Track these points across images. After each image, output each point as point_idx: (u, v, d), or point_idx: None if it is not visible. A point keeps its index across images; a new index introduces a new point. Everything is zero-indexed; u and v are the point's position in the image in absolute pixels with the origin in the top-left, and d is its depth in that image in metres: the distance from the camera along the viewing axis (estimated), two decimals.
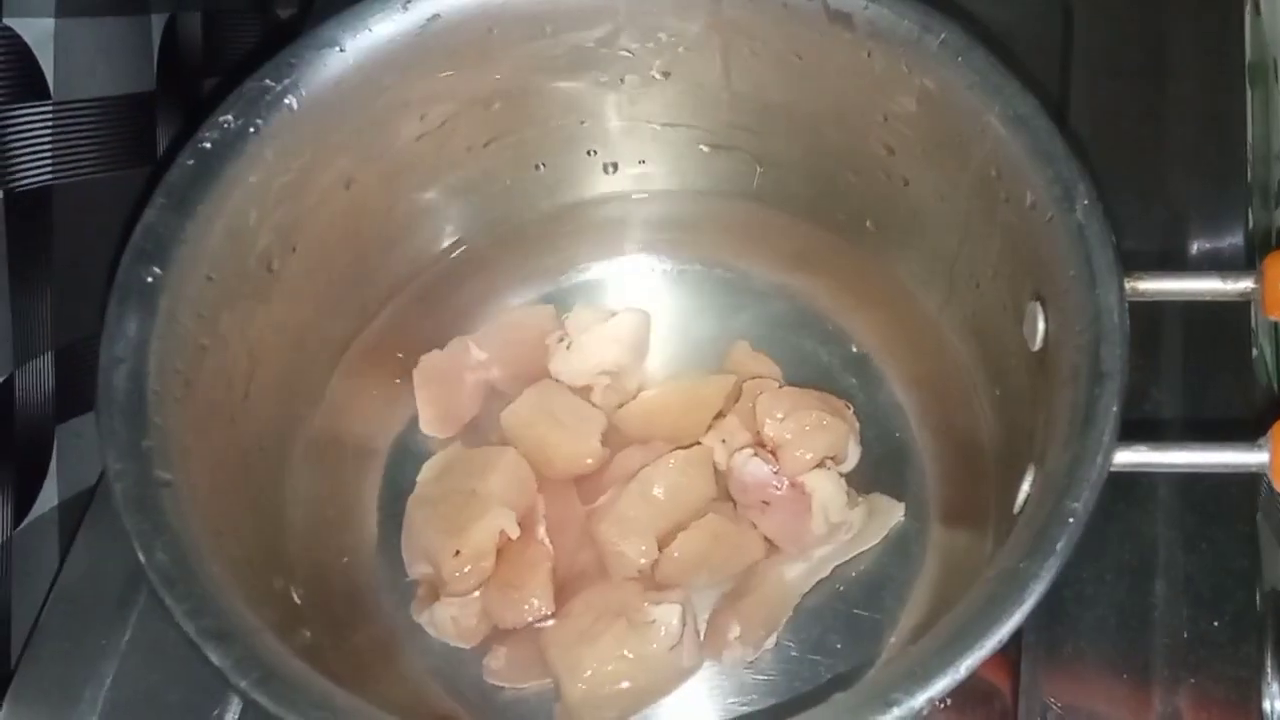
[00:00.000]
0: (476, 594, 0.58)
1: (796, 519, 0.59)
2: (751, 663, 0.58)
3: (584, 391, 0.64)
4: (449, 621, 0.58)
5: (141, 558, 0.46)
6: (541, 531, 0.60)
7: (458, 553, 0.58)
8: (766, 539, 0.60)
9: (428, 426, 0.65)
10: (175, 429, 0.50)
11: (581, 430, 0.62)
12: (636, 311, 0.66)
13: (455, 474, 0.61)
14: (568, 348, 0.64)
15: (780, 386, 0.63)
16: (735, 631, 0.58)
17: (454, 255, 0.67)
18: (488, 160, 0.64)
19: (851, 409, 0.63)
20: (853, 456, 0.62)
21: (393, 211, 0.63)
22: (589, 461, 0.62)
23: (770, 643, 0.58)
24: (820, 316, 0.67)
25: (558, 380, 0.64)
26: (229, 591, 0.47)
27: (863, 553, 0.60)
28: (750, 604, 0.58)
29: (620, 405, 0.64)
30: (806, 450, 0.59)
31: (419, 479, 0.62)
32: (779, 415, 0.60)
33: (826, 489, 0.59)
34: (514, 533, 0.59)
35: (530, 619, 0.58)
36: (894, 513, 0.61)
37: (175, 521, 0.47)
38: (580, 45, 0.60)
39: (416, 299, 0.66)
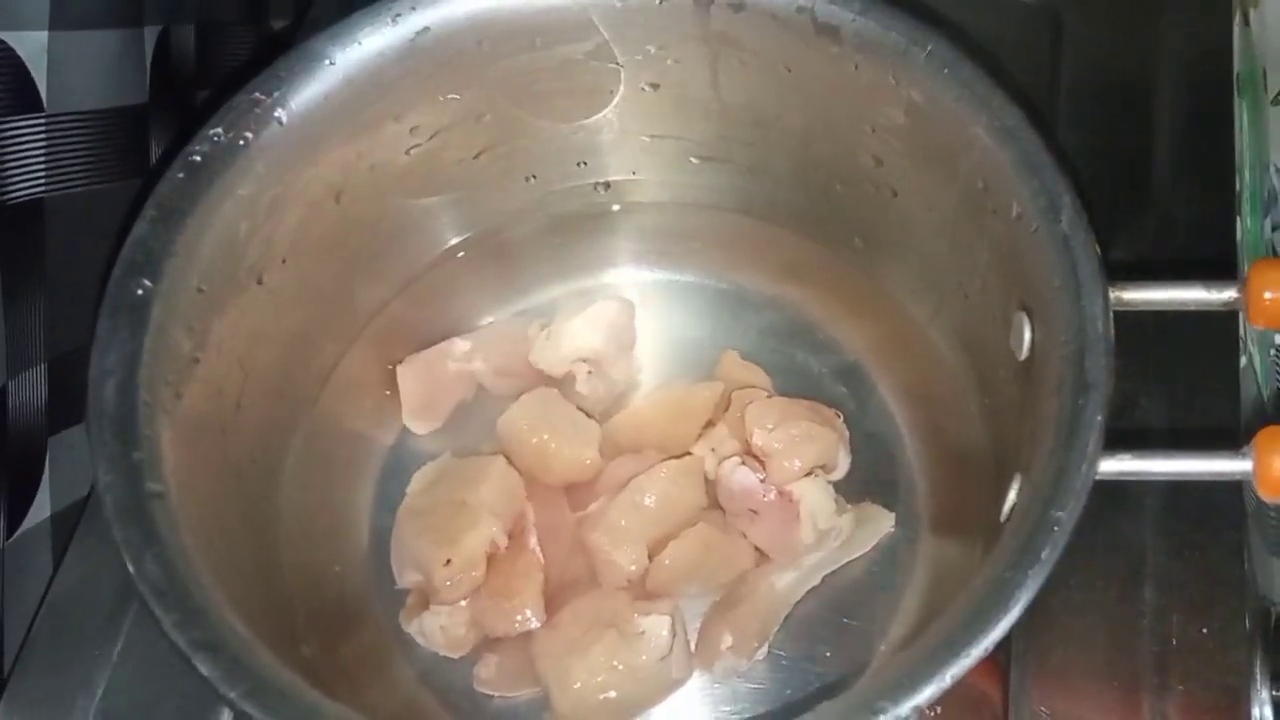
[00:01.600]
0: (465, 603, 0.59)
1: (785, 527, 0.59)
2: (742, 672, 0.58)
3: (567, 380, 0.64)
4: (438, 631, 0.58)
5: (131, 569, 0.46)
6: (533, 541, 0.60)
7: (449, 562, 0.58)
8: (757, 548, 0.60)
9: (410, 419, 0.65)
10: (166, 441, 0.50)
11: (579, 438, 0.62)
12: (617, 299, 0.66)
13: (445, 484, 0.62)
14: (547, 336, 0.65)
15: (770, 396, 0.63)
16: (727, 641, 0.58)
17: (444, 266, 0.67)
18: (478, 172, 0.64)
19: (842, 418, 0.63)
20: (843, 465, 0.62)
21: (383, 223, 0.63)
22: (587, 463, 0.62)
23: (762, 653, 0.58)
24: (810, 326, 0.67)
25: (538, 368, 0.65)
26: (220, 603, 0.47)
27: (853, 561, 0.60)
28: (742, 613, 0.59)
29: (608, 399, 0.65)
30: (795, 459, 0.60)
31: (409, 489, 0.63)
32: (768, 425, 0.60)
33: (814, 496, 0.59)
34: (503, 543, 0.59)
35: (522, 629, 0.58)
36: (884, 522, 0.61)
37: (166, 533, 0.47)
38: (570, 58, 0.60)
39: (406, 310, 0.66)
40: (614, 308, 0.66)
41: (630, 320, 0.66)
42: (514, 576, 0.59)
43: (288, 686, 0.45)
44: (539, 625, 0.58)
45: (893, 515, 0.61)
